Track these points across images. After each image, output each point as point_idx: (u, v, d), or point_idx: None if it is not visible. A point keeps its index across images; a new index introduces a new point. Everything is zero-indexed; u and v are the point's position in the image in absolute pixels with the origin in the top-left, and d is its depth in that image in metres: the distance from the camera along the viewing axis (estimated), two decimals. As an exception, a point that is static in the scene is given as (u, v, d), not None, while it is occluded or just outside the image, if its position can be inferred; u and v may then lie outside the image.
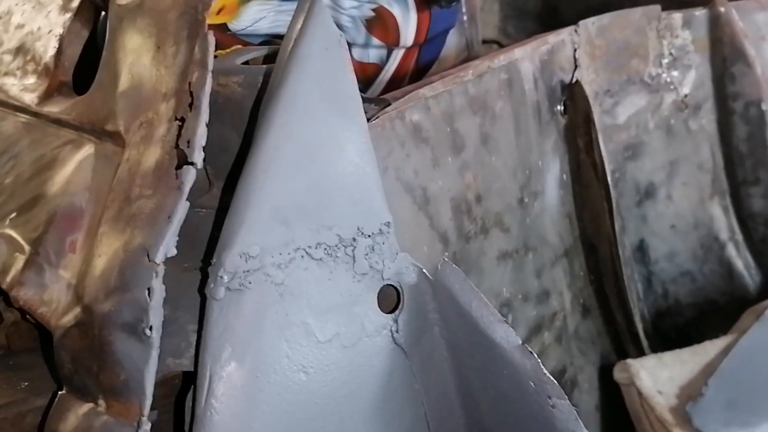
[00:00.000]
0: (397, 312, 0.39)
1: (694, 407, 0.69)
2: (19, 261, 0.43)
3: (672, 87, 0.84)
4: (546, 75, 0.70)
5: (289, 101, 0.37)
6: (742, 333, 0.76)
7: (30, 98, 0.54)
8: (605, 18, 0.78)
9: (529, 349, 0.36)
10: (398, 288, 0.39)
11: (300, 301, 0.37)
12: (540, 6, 1.15)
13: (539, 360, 0.36)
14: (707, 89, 0.85)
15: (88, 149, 0.44)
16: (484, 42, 1.14)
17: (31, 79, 0.55)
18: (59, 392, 0.38)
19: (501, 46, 1.17)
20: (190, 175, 0.35)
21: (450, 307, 0.39)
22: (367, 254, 0.38)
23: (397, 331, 0.39)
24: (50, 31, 0.55)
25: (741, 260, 0.91)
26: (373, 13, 0.60)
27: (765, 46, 0.83)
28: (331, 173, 0.38)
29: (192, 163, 0.35)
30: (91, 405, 0.36)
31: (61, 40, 0.53)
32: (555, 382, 0.36)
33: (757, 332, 0.74)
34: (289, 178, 0.37)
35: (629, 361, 0.74)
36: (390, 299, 0.39)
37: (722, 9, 0.81)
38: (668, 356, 0.76)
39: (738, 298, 0.91)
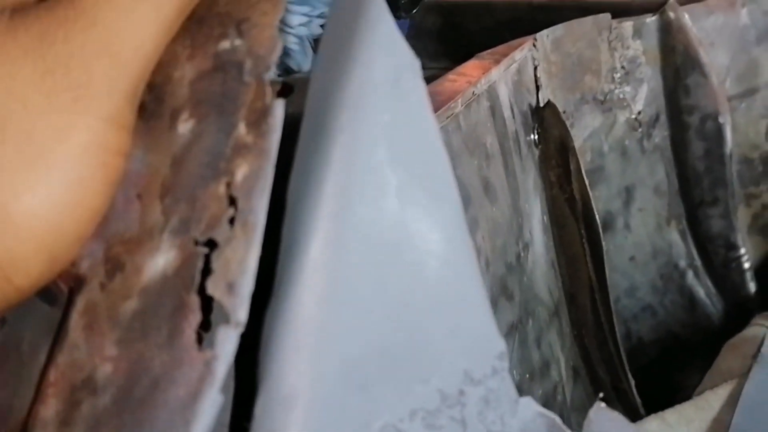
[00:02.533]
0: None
1: (719, 474, 0.60)
2: None
3: (625, 104, 0.75)
4: (518, 99, 0.58)
5: (343, 173, 0.21)
6: (728, 373, 0.68)
7: None
8: (558, 30, 0.67)
9: None
10: (525, 456, 0.25)
11: None
12: (440, 23, 1.04)
13: None
14: (660, 104, 0.77)
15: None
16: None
17: None
18: None
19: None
20: (229, 345, 0.19)
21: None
22: (481, 412, 0.23)
23: None
24: None
25: (702, 288, 0.83)
26: (322, 30, 0.44)
27: (715, 54, 0.76)
28: (420, 288, 0.22)
29: (236, 323, 0.19)
30: None
31: None
32: None
33: (760, 375, 0.65)
34: (361, 306, 0.21)
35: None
36: (514, 476, 0.24)
37: (673, 14, 0.73)
38: (671, 415, 0.66)
39: (702, 330, 0.84)
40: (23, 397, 0.24)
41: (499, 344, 0.24)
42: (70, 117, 0.21)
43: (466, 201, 0.44)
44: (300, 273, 0.21)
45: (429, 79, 0.79)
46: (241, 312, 0.20)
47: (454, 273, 0.23)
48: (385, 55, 0.22)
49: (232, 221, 0.20)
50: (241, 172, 0.21)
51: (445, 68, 1.08)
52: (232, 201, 0.21)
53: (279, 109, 0.21)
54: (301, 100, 0.24)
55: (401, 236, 0.22)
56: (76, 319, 0.22)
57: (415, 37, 1.04)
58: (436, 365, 0.22)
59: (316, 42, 0.47)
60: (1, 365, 0.25)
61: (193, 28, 0.23)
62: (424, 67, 0.80)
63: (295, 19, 0.45)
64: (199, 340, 0.20)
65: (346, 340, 0.21)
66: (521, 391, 0.51)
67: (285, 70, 0.47)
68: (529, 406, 0.25)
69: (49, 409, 0.21)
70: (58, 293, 0.25)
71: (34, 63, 0.20)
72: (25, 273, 0.21)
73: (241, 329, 0.20)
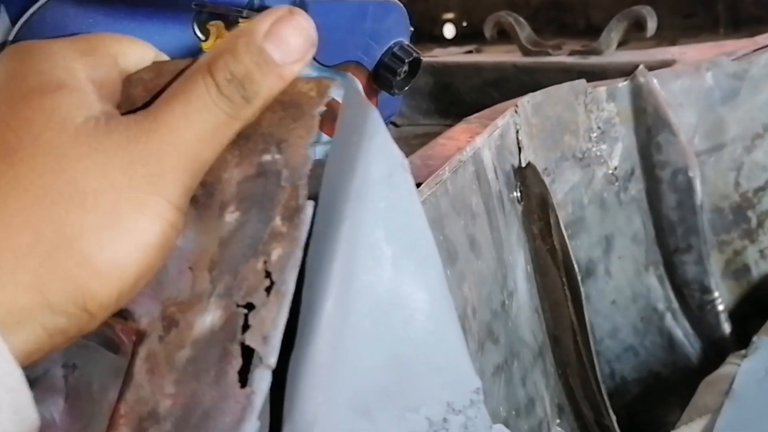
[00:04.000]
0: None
1: (695, 504, 0.65)
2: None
3: (602, 160, 0.82)
4: (501, 161, 0.64)
5: (350, 248, 0.28)
6: (704, 409, 0.73)
7: None
8: (538, 95, 0.74)
9: None
10: (498, 473, 0.30)
11: None
12: (432, 83, 1.11)
13: None
14: (634, 160, 0.84)
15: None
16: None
17: None
18: None
19: (396, 126, 1.12)
20: (264, 383, 0.25)
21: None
22: (461, 436, 0.29)
23: None
24: None
25: (680, 329, 0.89)
26: (324, 108, 0.51)
27: (683, 113, 0.83)
28: (409, 336, 0.28)
29: (268, 366, 0.25)
30: None
31: None
32: None
33: (730, 411, 0.70)
34: (364, 351, 0.27)
35: (612, 463, 0.69)
36: (489, 490, 0.30)
37: (642, 79, 0.80)
38: (648, 448, 0.72)
39: (681, 368, 0.89)
40: (95, 428, 0.30)
41: (476, 381, 0.30)
42: (145, 196, 0.27)
43: (454, 257, 0.50)
44: (317, 326, 0.27)
45: (423, 136, 0.87)
46: (272, 358, 0.26)
47: (437, 325, 0.29)
48: (381, 157, 0.28)
49: (268, 290, 0.27)
50: (276, 253, 0.27)
51: (437, 124, 1.16)
52: (268, 274, 0.27)
53: (309, 208, 0.28)
54: (315, 182, 0.31)
55: (395, 296, 0.28)
56: (140, 365, 0.28)
57: (409, 96, 1.12)
58: (424, 398, 0.29)
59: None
60: (74, 402, 0.31)
61: (241, 142, 0.30)
62: (417, 124, 0.89)
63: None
64: (241, 380, 0.26)
65: (353, 378, 0.27)
66: (508, 425, 0.56)
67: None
68: (501, 431, 0.31)
69: (123, 435, 0.27)
70: (120, 344, 0.31)
71: (122, 156, 0.27)
72: (101, 307, 0.27)
73: (271, 370, 0.26)
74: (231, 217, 0.29)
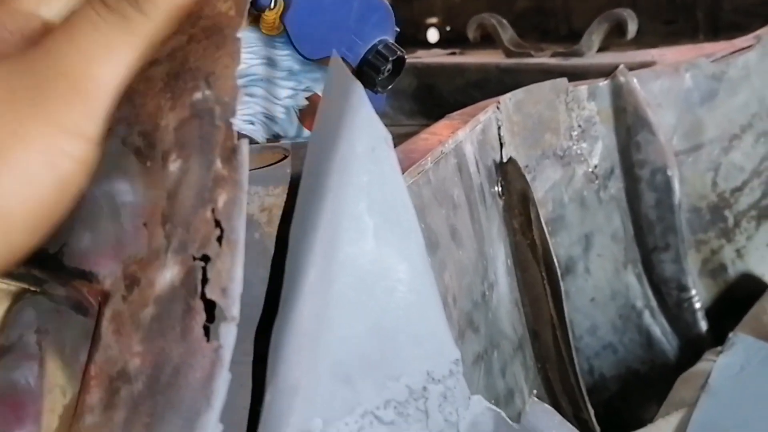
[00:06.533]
0: (477, 473, 0.31)
1: (671, 496, 0.66)
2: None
3: (582, 159, 0.83)
4: (483, 156, 0.65)
5: (333, 220, 0.28)
6: (681, 404, 0.74)
7: None
8: (519, 93, 0.75)
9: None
10: (476, 442, 0.31)
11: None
12: (415, 84, 1.12)
13: None
14: (614, 159, 0.85)
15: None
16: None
17: None
18: None
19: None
20: (230, 336, 0.25)
21: (542, 457, 0.31)
22: (440, 405, 0.30)
23: (479, 499, 0.31)
24: None
25: (658, 327, 0.90)
26: (306, 102, 0.52)
27: (663, 113, 0.85)
28: (391, 307, 0.29)
29: (231, 318, 0.25)
30: None
31: None
32: None
33: (707, 405, 0.71)
34: (346, 320, 0.28)
35: (590, 455, 0.70)
36: (467, 458, 0.31)
37: (623, 79, 0.81)
38: (626, 441, 0.72)
39: (659, 366, 0.90)
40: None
41: (455, 352, 0.31)
42: (28, 126, 0.26)
43: (435, 246, 0.50)
44: (300, 296, 0.28)
45: (405, 136, 0.89)
46: (234, 309, 0.26)
47: (418, 296, 0.30)
48: (364, 131, 0.29)
49: (219, 240, 0.27)
50: (221, 199, 0.27)
51: (420, 125, 1.16)
52: (217, 223, 0.27)
53: (244, 147, 0.27)
54: (300, 163, 0.31)
55: (377, 268, 0.29)
56: (106, 326, 0.28)
57: (392, 97, 1.12)
58: (405, 367, 0.29)
59: (300, 111, 0.54)
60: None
61: (172, 83, 0.29)
62: (400, 125, 0.90)
63: (282, 92, 0.52)
64: (206, 334, 0.26)
65: (335, 345, 0.27)
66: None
67: (274, 135, 0.54)
68: (480, 402, 0.32)
69: (94, 396, 0.27)
70: (88, 306, 0.31)
71: (4, 89, 0.26)
72: None
73: (236, 322, 0.26)
74: (174, 166, 0.29)
